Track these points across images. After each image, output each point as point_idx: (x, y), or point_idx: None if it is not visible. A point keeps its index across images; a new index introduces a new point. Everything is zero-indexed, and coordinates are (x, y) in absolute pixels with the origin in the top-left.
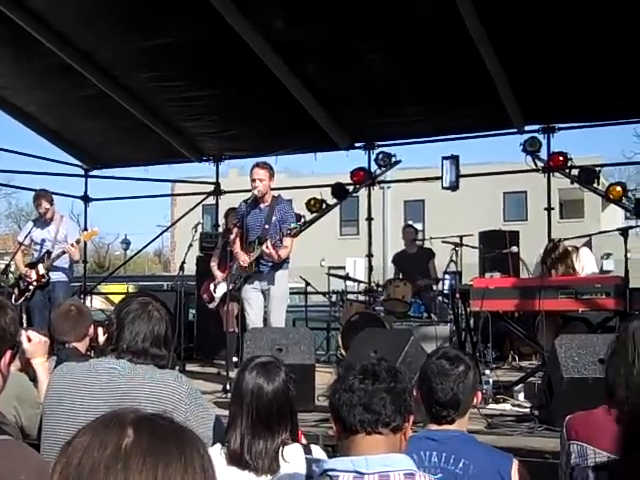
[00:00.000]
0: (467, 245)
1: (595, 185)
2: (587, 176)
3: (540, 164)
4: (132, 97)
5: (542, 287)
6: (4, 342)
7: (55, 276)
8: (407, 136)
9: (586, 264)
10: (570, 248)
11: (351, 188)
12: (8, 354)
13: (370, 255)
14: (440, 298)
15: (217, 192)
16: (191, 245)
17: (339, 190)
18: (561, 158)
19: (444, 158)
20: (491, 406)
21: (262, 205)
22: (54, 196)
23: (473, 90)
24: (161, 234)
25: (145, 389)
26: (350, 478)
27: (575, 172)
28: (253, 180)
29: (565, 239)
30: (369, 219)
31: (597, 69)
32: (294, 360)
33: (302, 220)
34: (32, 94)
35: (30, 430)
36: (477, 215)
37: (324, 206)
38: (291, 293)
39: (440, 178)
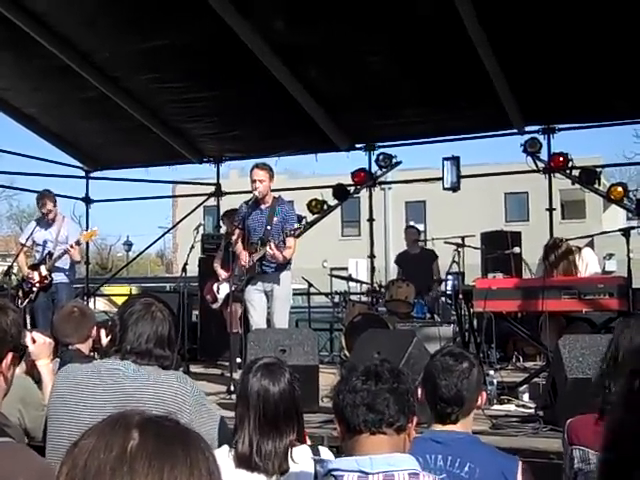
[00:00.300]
0: (469, 246)
1: (596, 186)
2: (588, 177)
3: (541, 165)
4: (133, 99)
5: (545, 287)
6: (5, 344)
7: (57, 277)
8: (407, 137)
9: (589, 264)
10: (573, 248)
11: (352, 189)
12: (9, 356)
13: (372, 256)
14: (443, 299)
15: (218, 193)
16: (193, 247)
17: (340, 191)
18: (561, 159)
19: (445, 159)
20: (495, 407)
21: (263, 206)
22: (56, 197)
23: (473, 91)
24: (162, 236)
25: (149, 390)
26: (355, 478)
27: (576, 173)
28: (253, 181)
29: (567, 240)
30: (370, 220)
31: (597, 69)
32: (298, 361)
33: (303, 221)
34: (33, 96)
35: (35, 432)
36: (478, 216)
37: (325, 207)
38: (294, 294)
39: (441, 179)
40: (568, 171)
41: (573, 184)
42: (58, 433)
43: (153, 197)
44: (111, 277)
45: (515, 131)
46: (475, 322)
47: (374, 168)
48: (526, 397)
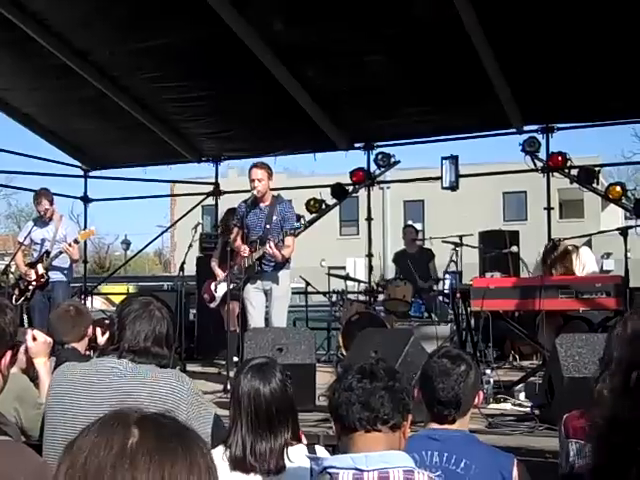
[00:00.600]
0: (467, 245)
1: (594, 185)
2: (586, 176)
3: (539, 164)
4: (131, 98)
5: (542, 287)
6: (3, 343)
7: (54, 276)
8: (406, 136)
9: (586, 263)
10: (570, 247)
11: (350, 188)
12: (8, 355)
13: (370, 255)
14: (440, 298)
15: (216, 192)
16: (191, 245)
17: (339, 190)
18: (560, 158)
19: (443, 158)
20: (492, 406)
21: (262, 205)
22: (54, 196)
23: (472, 90)
24: (160, 235)
25: (147, 388)
26: (350, 475)
27: (574, 172)
28: (252, 180)
29: (565, 239)
30: (369, 219)
31: (595, 69)
32: (295, 360)
33: (302, 220)
34: (31, 95)
35: (32, 431)
36: (477, 215)
37: (324, 206)
38: (292, 293)
39: (440, 178)
40: (566, 170)
41: (571, 183)
42: (55, 431)
43: (151, 196)
44: (109, 276)
45: (514, 130)
46: (472, 321)
47: (373, 167)
48: (522, 396)
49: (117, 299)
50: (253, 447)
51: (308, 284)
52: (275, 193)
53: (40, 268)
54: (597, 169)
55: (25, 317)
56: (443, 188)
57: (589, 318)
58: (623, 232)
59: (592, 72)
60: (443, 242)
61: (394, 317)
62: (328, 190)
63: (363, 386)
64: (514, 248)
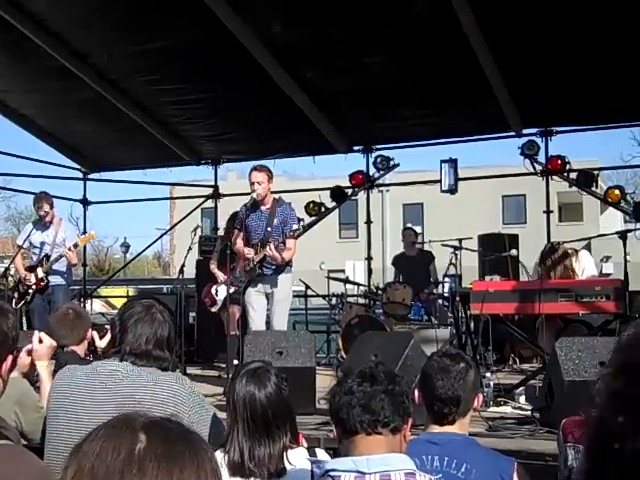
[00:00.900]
0: (466, 248)
1: (593, 188)
2: (585, 179)
3: (538, 167)
4: (130, 100)
5: (542, 290)
6: (5, 347)
7: (54, 280)
8: (405, 139)
9: (586, 267)
10: (570, 251)
11: (350, 191)
12: (9, 359)
13: (369, 258)
14: (440, 301)
15: (216, 195)
16: (190, 248)
17: (338, 193)
18: (559, 161)
19: (443, 161)
20: (492, 409)
21: (263, 208)
22: (53, 199)
23: (471, 94)
24: (159, 238)
25: (148, 391)
26: (352, 478)
27: (573, 175)
28: (252, 183)
29: (564, 242)
30: (368, 222)
31: (594, 73)
32: (295, 363)
33: (301, 223)
34: (30, 97)
35: (33, 434)
36: (476, 218)
37: (323, 209)
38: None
39: (439, 181)
40: (566, 174)
41: (570, 187)
42: (57, 435)
43: (151, 199)
44: (108, 279)
45: (513, 134)
46: (472, 324)
47: (372, 170)
48: (522, 399)
49: (116, 302)
50: (252, 452)
51: (308, 287)
52: (276, 196)
53: (40, 272)
54: (596, 172)
55: (24, 321)
56: (442, 191)
57: (589, 321)
58: (622, 235)
59: (591, 75)
60: (442, 245)
61: (394, 320)
62: (327, 193)
63: (363, 389)
64: (513, 251)
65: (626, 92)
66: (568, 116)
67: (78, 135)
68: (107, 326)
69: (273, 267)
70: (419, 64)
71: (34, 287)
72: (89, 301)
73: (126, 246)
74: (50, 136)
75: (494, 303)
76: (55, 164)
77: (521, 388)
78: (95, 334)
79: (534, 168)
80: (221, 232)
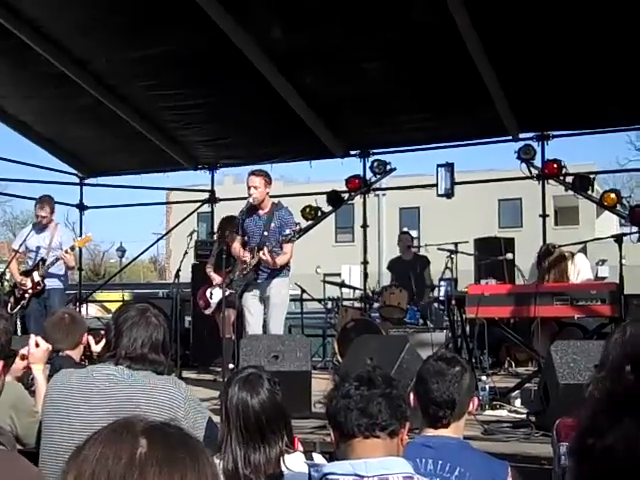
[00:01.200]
0: (462, 252)
1: (589, 192)
2: (582, 183)
3: (535, 171)
4: (128, 106)
5: (537, 293)
6: None
7: (50, 283)
8: (402, 144)
9: (581, 270)
10: (566, 254)
11: (346, 195)
12: (1, 364)
13: (365, 262)
14: (436, 305)
15: (212, 200)
16: (186, 253)
17: (334, 197)
18: (555, 165)
19: (439, 166)
20: (487, 412)
21: (261, 212)
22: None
23: (468, 98)
24: (156, 242)
25: (144, 395)
26: None
27: (569, 179)
28: (249, 188)
29: (560, 246)
30: (364, 226)
31: (591, 77)
32: (290, 367)
33: (297, 227)
34: (27, 103)
35: (27, 439)
36: (472, 222)
37: (319, 213)
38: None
39: (435, 185)
40: (562, 178)
41: (566, 190)
42: (52, 439)
43: (147, 204)
44: (104, 283)
45: (509, 138)
46: (468, 328)
47: (368, 175)
48: (518, 403)
49: (112, 306)
50: (247, 459)
51: (304, 291)
52: (275, 200)
53: (36, 276)
54: (592, 176)
55: (20, 325)
56: (438, 195)
57: (584, 325)
58: (618, 239)
59: (588, 80)
60: (438, 249)
61: (389, 324)
62: (324, 197)
63: (361, 393)
64: (509, 255)
65: (622, 96)
66: (564, 120)
67: (76, 141)
68: (102, 331)
69: (269, 271)
70: (416, 69)
71: (30, 291)
72: (85, 305)
73: (122, 250)
74: (48, 142)
75: (490, 307)
76: (52, 169)
77: (516, 391)
78: (91, 339)
79: (530, 172)
80: (216, 234)
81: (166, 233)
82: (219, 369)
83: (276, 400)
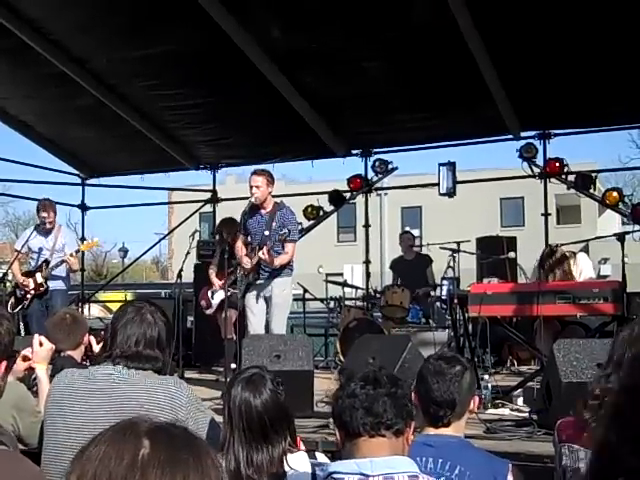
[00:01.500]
0: (465, 251)
1: (591, 191)
2: (583, 182)
3: (537, 170)
4: (129, 105)
5: (540, 292)
6: (0, 352)
7: (53, 284)
8: (404, 143)
9: (583, 269)
10: (568, 253)
11: (348, 195)
12: (3, 364)
13: (368, 261)
14: (438, 304)
15: (214, 200)
16: (188, 253)
17: (336, 197)
18: (557, 164)
19: (441, 165)
20: (490, 411)
21: (263, 211)
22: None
23: (469, 97)
24: (158, 242)
25: (145, 395)
26: None
27: (571, 178)
28: (251, 187)
29: (562, 244)
30: (366, 226)
31: (592, 76)
32: (292, 366)
33: (299, 227)
34: (28, 103)
35: (30, 439)
36: (474, 221)
37: (321, 213)
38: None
39: (437, 185)
40: (564, 176)
41: (568, 189)
42: (54, 439)
43: (149, 204)
44: (106, 283)
45: (511, 137)
46: (470, 327)
47: (370, 174)
48: (520, 401)
49: (115, 307)
50: (250, 459)
51: (306, 291)
52: (278, 200)
53: (39, 277)
54: (594, 175)
55: (22, 325)
56: (440, 194)
57: (586, 323)
58: (620, 237)
59: (589, 78)
60: (441, 248)
61: (392, 323)
62: (326, 197)
63: (366, 392)
64: (511, 254)
65: (624, 94)
66: (566, 119)
67: (77, 141)
68: (104, 331)
69: (270, 271)
70: (417, 68)
71: (33, 292)
72: (87, 306)
73: (124, 251)
74: (49, 142)
75: (492, 305)
76: (53, 170)
77: (519, 390)
78: (92, 339)
79: (532, 171)
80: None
81: (168, 233)
82: (221, 369)
83: (279, 400)
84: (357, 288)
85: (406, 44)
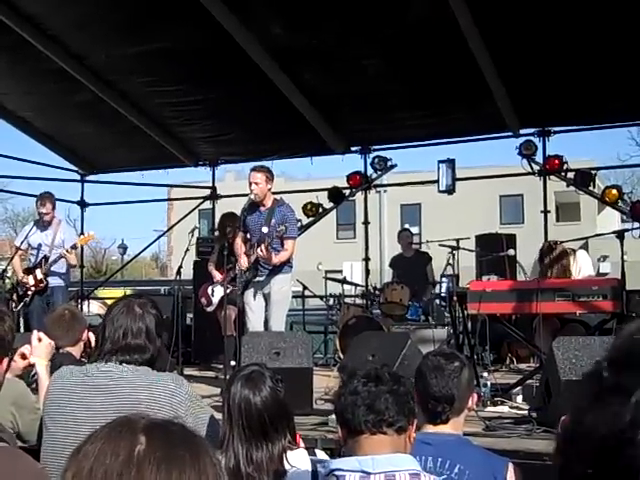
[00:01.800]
0: (464, 248)
1: (591, 188)
2: (583, 179)
3: (536, 167)
4: (128, 102)
5: (539, 289)
6: (1, 350)
7: (53, 281)
8: (403, 140)
9: (583, 267)
10: (568, 250)
11: (347, 192)
12: (5, 361)
13: (367, 259)
14: (437, 301)
15: (213, 196)
16: (188, 250)
17: (335, 194)
18: (557, 161)
19: (440, 162)
20: (489, 409)
21: (262, 208)
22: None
23: (469, 94)
24: (157, 239)
25: (144, 392)
26: (356, 478)
27: (571, 175)
28: (250, 184)
29: (562, 242)
30: (366, 223)
31: (592, 73)
32: (292, 364)
33: (299, 224)
34: (27, 99)
35: (29, 436)
36: (474, 218)
37: (320, 210)
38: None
39: (436, 182)
40: (563, 173)
41: (568, 186)
42: (53, 436)
43: (148, 200)
44: (106, 280)
45: (510, 134)
46: (469, 324)
47: (369, 171)
48: (520, 399)
49: None
50: (249, 457)
51: (305, 288)
52: (278, 196)
53: (39, 273)
54: (593, 172)
55: (22, 322)
56: (440, 191)
57: (586, 321)
58: (619, 235)
59: (589, 76)
60: (440, 245)
61: (391, 320)
62: (325, 194)
63: (368, 389)
64: (511, 251)
65: (624, 92)
66: (566, 116)
67: (76, 137)
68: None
69: (270, 268)
70: (417, 65)
71: (33, 289)
72: (86, 302)
73: (123, 248)
74: (48, 138)
75: (491, 303)
76: (53, 166)
77: (518, 388)
78: (91, 335)
79: (532, 168)
80: (216, 231)
81: (167, 230)
82: (221, 366)
83: (279, 398)
84: (356, 285)
85: (406, 41)
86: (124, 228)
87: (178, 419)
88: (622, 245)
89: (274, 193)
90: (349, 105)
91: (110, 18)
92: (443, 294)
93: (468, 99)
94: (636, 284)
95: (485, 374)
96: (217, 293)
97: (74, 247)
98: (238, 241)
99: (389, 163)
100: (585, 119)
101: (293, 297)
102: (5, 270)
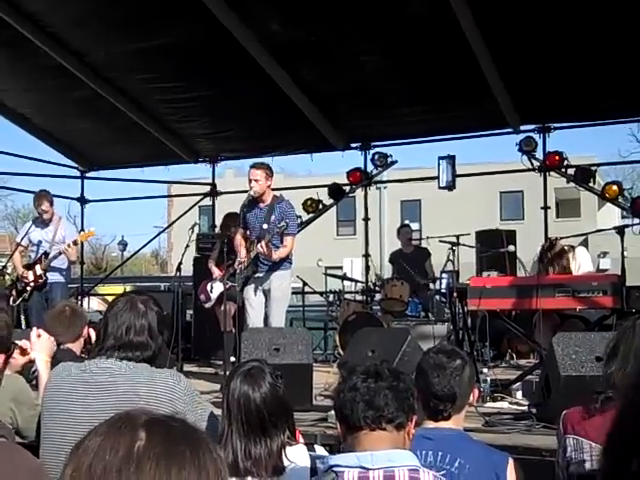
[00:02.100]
0: (464, 244)
1: (591, 184)
2: (583, 175)
3: (536, 164)
4: (127, 98)
5: (539, 286)
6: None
7: (52, 277)
8: (403, 136)
9: (582, 263)
10: (567, 247)
11: (347, 188)
12: (2, 357)
13: (367, 255)
14: (437, 297)
15: (213, 193)
16: (188, 246)
17: (335, 190)
18: (557, 158)
19: (440, 158)
20: (489, 404)
21: (262, 205)
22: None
23: (469, 90)
24: (157, 236)
25: (143, 388)
26: (355, 474)
27: (571, 171)
28: (250, 181)
29: (562, 238)
30: (366, 219)
31: (592, 69)
32: (291, 360)
33: (299, 220)
34: (27, 95)
35: (28, 432)
36: (474, 214)
37: (321, 206)
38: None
39: (436, 178)
40: (563, 170)
41: (568, 183)
42: (52, 432)
43: (148, 197)
44: (106, 277)
45: (511, 130)
46: (469, 320)
47: (369, 167)
48: (519, 394)
49: None
50: (248, 452)
51: (305, 284)
52: (277, 193)
53: (38, 269)
54: (594, 168)
55: (22, 318)
56: (440, 188)
57: (586, 317)
58: (620, 231)
59: (589, 72)
60: (440, 242)
61: (391, 317)
62: (325, 190)
63: (367, 385)
64: (511, 247)
65: (623, 89)
66: (566, 112)
67: (75, 133)
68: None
69: (270, 264)
70: (417, 61)
71: (32, 284)
72: (87, 299)
73: (124, 244)
74: (47, 135)
75: (491, 299)
76: (52, 163)
77: (518, 383)
78: (92, 331)
79: (532, 164)
80: (218, 230)
81: (167, 226)
82: (220, 362)
83: (278, 394)
84: (356, 281)
85: (405, 37)
86: (124, 224)
87: (180, 414)
88: (622, 241)
89: (274, 189)
90: (348, 101)
91: (109, 15)
92: (443, 290)
93: (468, 95)
94: (636, 280)
95: (485, 370)
96: (216, 289)
97: (75, 243)
98: (238, 238)
99: (389, 159)
100: (585, 115)
101: (293, 293)
102: (5, 266)
